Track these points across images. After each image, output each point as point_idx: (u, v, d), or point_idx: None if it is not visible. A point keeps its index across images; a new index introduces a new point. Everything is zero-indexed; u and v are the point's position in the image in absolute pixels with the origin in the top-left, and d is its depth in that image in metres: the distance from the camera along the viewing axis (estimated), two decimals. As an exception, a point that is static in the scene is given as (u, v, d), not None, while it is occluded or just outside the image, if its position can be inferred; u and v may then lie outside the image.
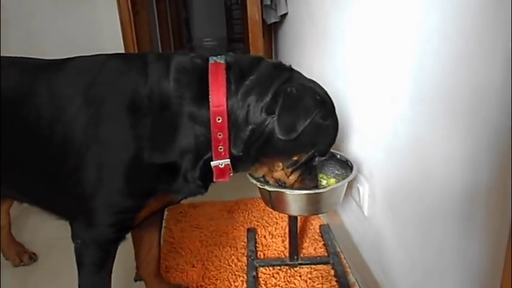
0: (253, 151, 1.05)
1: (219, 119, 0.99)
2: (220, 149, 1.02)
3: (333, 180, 1.38)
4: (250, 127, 1.02)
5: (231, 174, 1.08)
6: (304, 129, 1.00)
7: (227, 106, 1.00)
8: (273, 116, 1.00)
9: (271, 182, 1.19)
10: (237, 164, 1.07)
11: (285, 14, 2.42)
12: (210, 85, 1.00)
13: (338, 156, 1.41)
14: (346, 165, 1.38)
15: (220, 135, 1.01)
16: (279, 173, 1.14)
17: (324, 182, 1.36)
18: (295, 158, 1.09)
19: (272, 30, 2.92)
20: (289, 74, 1.06)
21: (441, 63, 0.89)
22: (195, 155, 1.03)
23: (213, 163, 1.04)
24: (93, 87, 1.01)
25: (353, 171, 1.31)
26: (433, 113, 0.94)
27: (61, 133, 1.00)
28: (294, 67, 1.10)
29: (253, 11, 2.40)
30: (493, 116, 0.74)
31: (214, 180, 1.09)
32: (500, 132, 0.73)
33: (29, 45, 2.58)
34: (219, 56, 1.05)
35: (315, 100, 1.02)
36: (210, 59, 1.04)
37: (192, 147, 1.02)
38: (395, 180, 1.19)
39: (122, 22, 2.64)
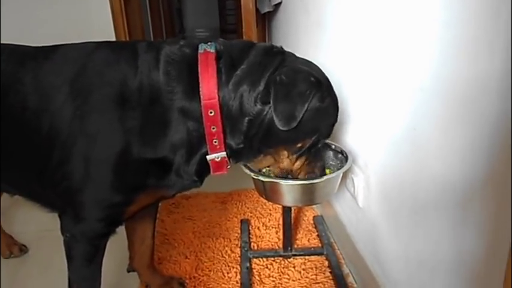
0: (255, 143, 1.03)
1: (211, 112, 0.97)
2: (215, 142, 1.00)
3: (327, 171, 1.37)
4: (246, 118, 0.99)
5: (229, 167, 1.06)
6: (304, 115, 0.97)
7: (219, 98, 0.97)
8: (270, 105, 0.97)
9: (276, 172, 1.17)
10: (238, 155, 1.06)
11: (279, 3, 2.39)
12: (200, 77, 0.97)
13: (333, 146, 1.40)
14: (341, 156, 1.38)
15: (213, 128, 0.98)
16: (285, 163, 1.12)
17: (318, 173, 1.35)
18: (299, 145, 1.07)
19: (266, 20, 2.90)
20: (281, 58, 1.02)
21: (440, 53, 0.88)
22: (188, 150, 1.01)
23: (209, 157, 1.02)
24: (81, 78, 0.99)
25: (348, 162, 1.31)
26: (430, 103, 0.93)
27: (47, 124, 0.98)
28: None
29: (246, 0, 2.37)
30: (491, 107, 0.74)
31: (212, 173, 1.07)
32: (498, 123, 0.72)
33: (18, 33, 2.53)
34: (208, 44, 1.02)
35: (309, 83, 0.98)
36: (199, 47, 1.01)
37: (184, 142, 1.00)
38: (390, 171, 1.18)
39: (113, 11, 2.61)
